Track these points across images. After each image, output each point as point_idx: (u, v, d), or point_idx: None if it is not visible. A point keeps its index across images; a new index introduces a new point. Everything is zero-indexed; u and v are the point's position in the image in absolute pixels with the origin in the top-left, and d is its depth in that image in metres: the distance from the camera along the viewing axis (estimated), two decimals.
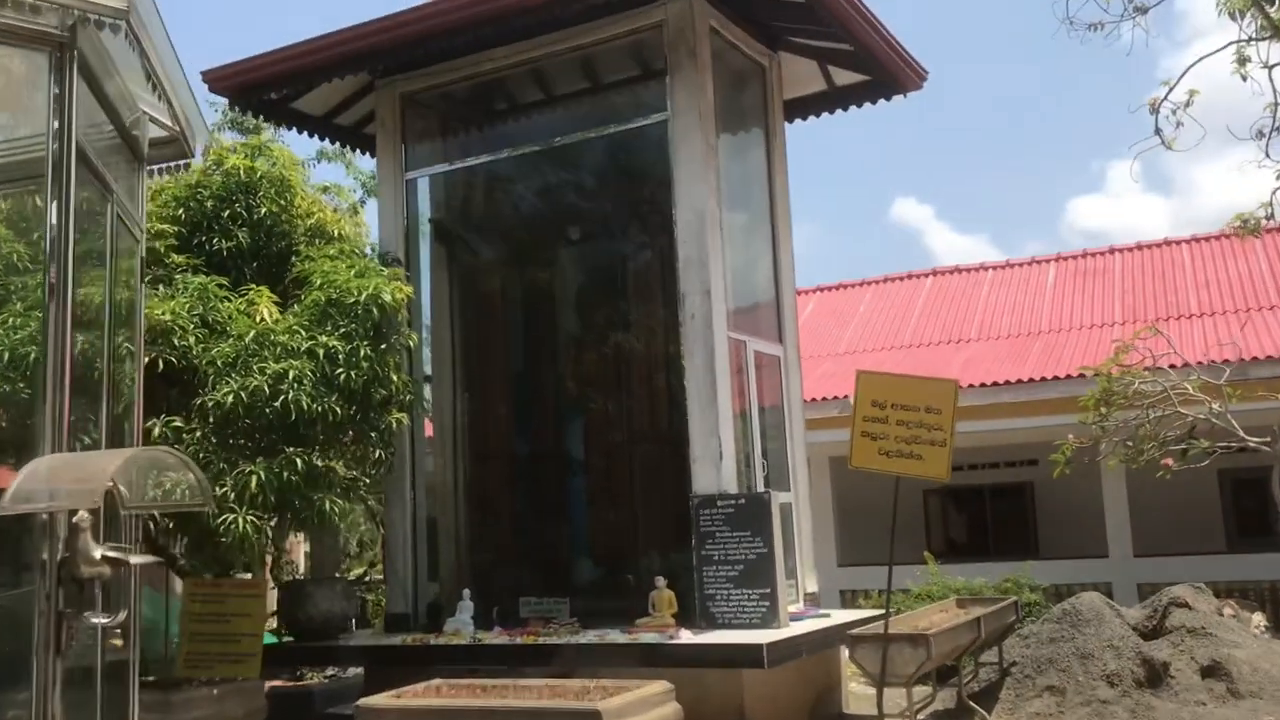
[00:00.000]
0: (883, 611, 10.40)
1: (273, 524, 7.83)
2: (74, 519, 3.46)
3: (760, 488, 10.02)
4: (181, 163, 7.71)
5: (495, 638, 9.23)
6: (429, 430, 11.06)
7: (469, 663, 8.92)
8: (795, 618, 9.50)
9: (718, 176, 9.91)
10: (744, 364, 10.17)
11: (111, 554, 3.51)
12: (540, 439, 11.19)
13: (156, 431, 7.30)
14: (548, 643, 8.87)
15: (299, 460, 7.35)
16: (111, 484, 3.89)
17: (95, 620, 3.98)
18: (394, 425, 8.60)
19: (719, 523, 9.12)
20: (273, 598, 10.68)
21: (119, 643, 3.91)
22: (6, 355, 5.04)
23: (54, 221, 3.74)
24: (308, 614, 9.77)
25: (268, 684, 12.80)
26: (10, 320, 5.12)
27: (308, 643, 9.75)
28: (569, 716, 6.06)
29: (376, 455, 8.71)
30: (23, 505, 3.33)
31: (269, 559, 17.19)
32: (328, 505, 7.48)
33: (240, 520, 6.91)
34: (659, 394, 10.62)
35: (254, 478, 7.05)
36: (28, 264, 4.73)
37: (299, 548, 19.30)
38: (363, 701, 6.60)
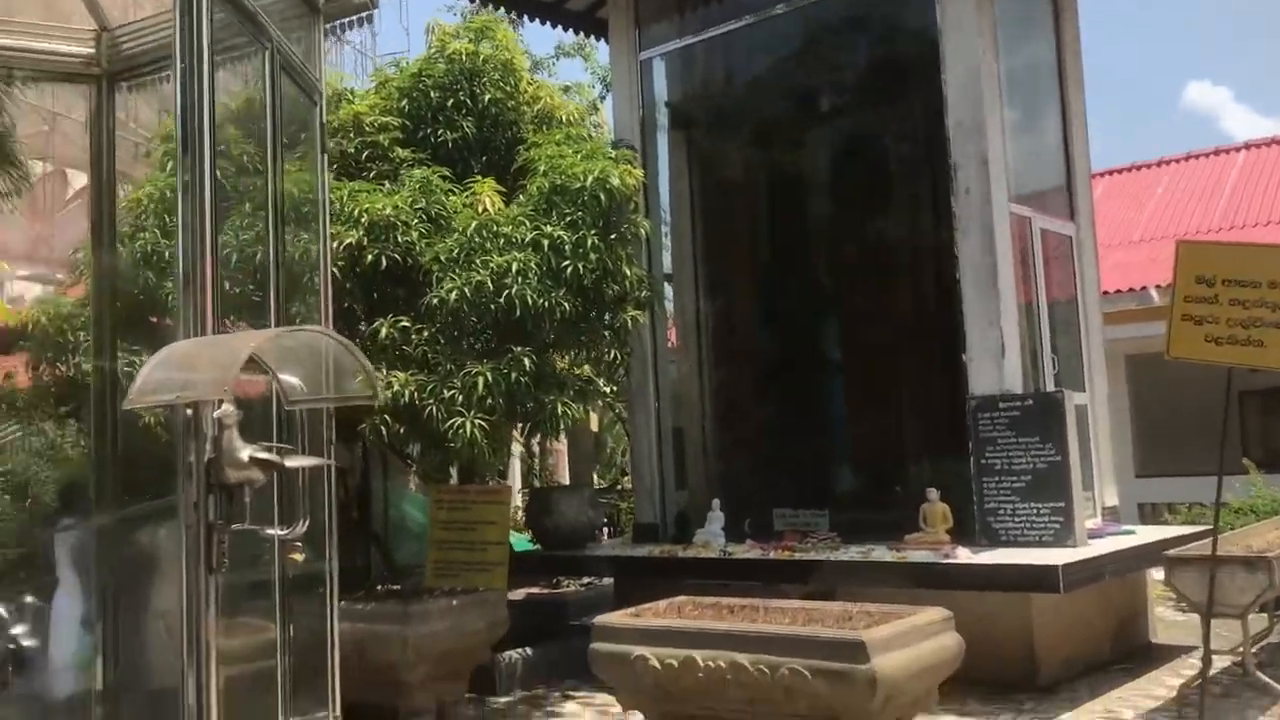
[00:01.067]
0: (1197, 529, 8.92)
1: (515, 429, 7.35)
2: (217, 413, 2.88)
3: (1050, 387, 8.69)
4: (399, 53, 7.18)
5: (747, 551, 8.49)
6: (672, 333, 10.35)
7: (718, 577, 8.24)
8: (1093, 535, 8.21)
9: (994, 25, 8.49)
10: (1029, 244, 8.80)
11: (262, 455, 2.92)
12: (793, 337, 10.22)
13: (384, 333, 6.90)
14: (804, 558, 8.04)
15: (526, 360, 6.76)
16: (269, 374, 3.33)
17: (269, 533, 3.47)
18: (629, 324, 7.88)
19: (1001, 427, 7.93)
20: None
21: (298, 556, 3.36)
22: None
23: (181, 64, 3.14)
24: (554, 522, 9.38)
25: (525, 590, 12.78)
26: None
27: (554, 551, 9.37)
28: (828, 646, 5.21)
29: (612, 356, 8.05)
30: (149, 397, 2.78)
31: (518, 465, 17.34)
32: (559, 408, 6.88)
33: (468, 424, 6.40)
34: (927, 283, 9.41)
35: (480, 379, 6.52)
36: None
37: (563, 456, 19.33)
38: (600, 619, 6.01)
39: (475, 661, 7.38)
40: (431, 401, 6.54)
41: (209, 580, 2.92)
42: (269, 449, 3.03)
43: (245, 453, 2.90)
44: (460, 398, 6.54)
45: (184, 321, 3.01)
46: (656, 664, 5.65)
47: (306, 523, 3.52)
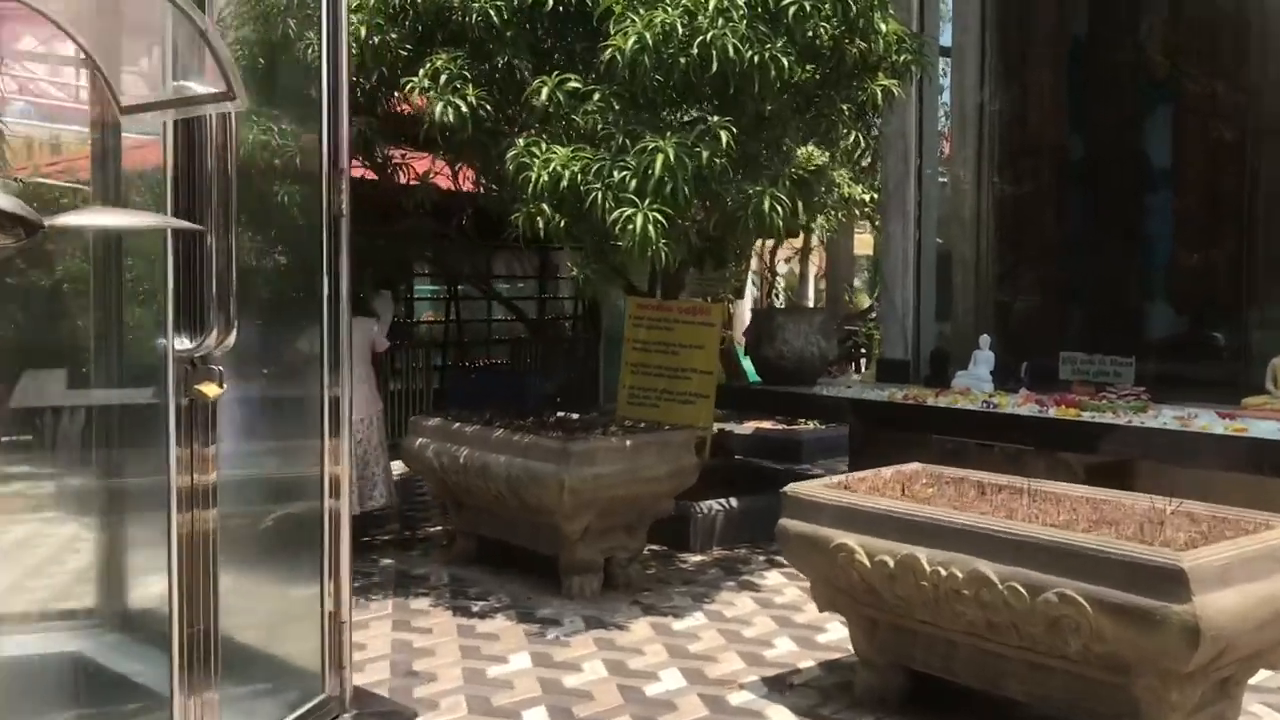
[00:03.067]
0: None
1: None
2: None
3: None
4: None
5: (1018, 404, 6.57)
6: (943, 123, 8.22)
7: (977, 435, 6.42)
8: None
9: None
10: None
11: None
12: (1105, 135, 7.87)
13: (544, 94, 5.34)
14: (1097, 420, 6.05)
15: (724, 135, 5.03)
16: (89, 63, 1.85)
17: (163, 343, 2.09)
18: (879, 98, 5.91)
19: None
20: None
21: (208, 390, 1.95)
22: None
23: None
24: (776, 351, 7.76)
25: (754, 424, 11.36)
26: None
27: (775, 386, 7.78)
28: (1125, 569, 3.40)
29: (852, 140, 6.13)
30: None
31: (750, 278, 15.60)
32: (766, 202, 5.14)
33: (639, 217, 4.80)
34: None
35: (660, 157, 4.87)
36: None
37: (808, 274, 17.43)
38: (793, 489, 4.42)
39: (654, 513, 6.01)
40: (598, 186, 4.97)
41: None
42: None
43: None
44: (633, 181, 4.92)
45: None
46: (864, 559, 4.03)
47: (230, 335, 2.10)
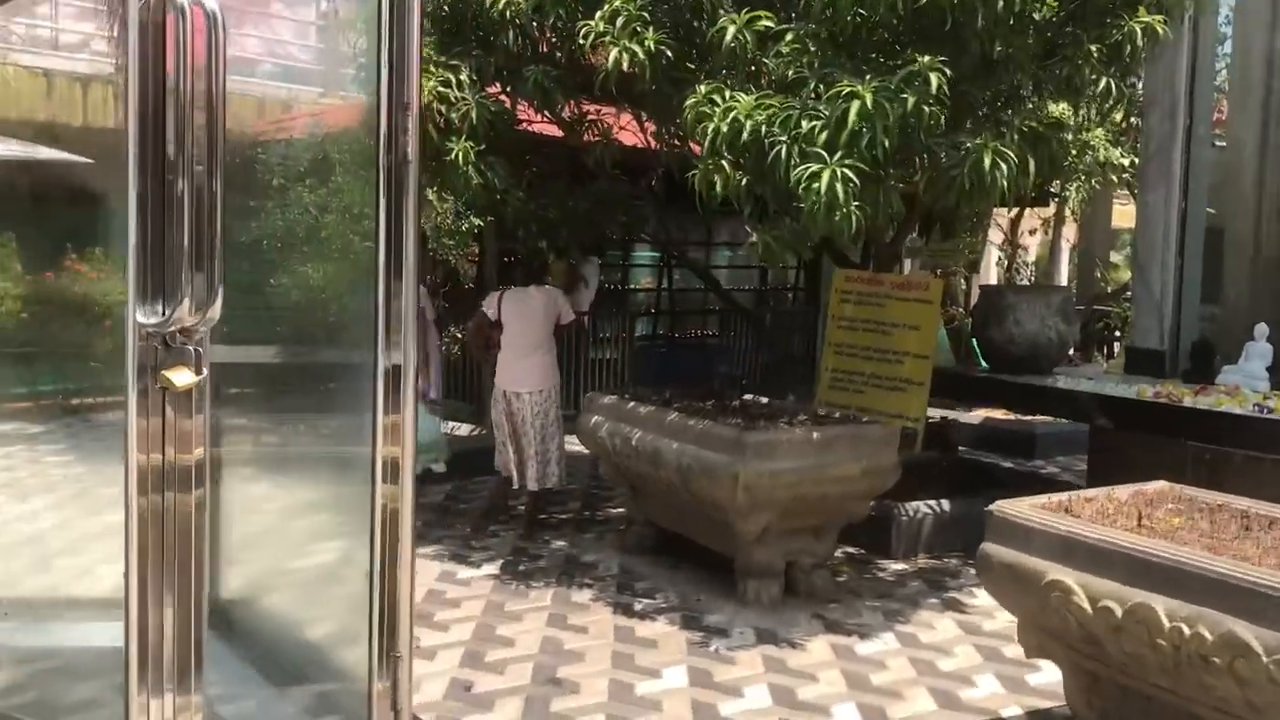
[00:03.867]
0: None
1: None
2: None
3: None
4: None
5: None
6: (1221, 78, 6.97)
7: (1247, 445, 5.35)
8: None
9: None
10: None
11: None
12: None
13: (730, 34, 4.68)
14: None
15: (934, 78, 4.23)
16: None
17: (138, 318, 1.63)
18: (1138, 39, 4.90)
19: None
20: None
21: (174, 379, 1.47)
22: None
23: None
24: (1007, 334, 6.83)
25: (984, 414, 10.30)
26: None
27: (1003, 375, 6.84)
28: None
29: (1103, 88, 5.12)
30: None
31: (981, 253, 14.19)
32: (987, 159, 4.30)
33: (826, 174, 4.09)
34: None
35: (855, 103, 4.14)
36: None
37: (1060, 248, 15.86)
38: (999, 508, 3.64)
39: (844, 515, 5.30)
40: (783, 138, 4.29)
41: None
42: None
43: None
44: (824, 133, 4.21)
45: None
46: (1084, 602, 3.24)
47: (212, 306, 1.62)
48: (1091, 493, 3.80)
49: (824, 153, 4.18)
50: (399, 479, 2.31)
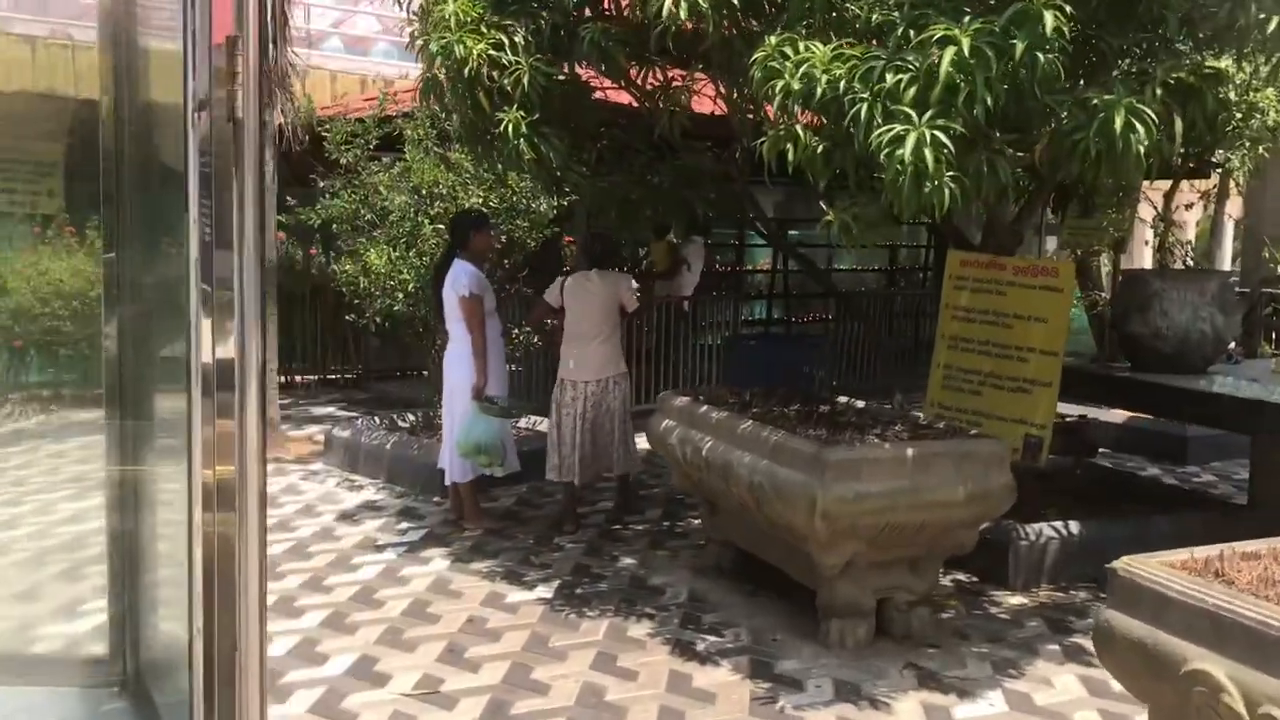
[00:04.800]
0: None
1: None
2: None
3: None
4: None
5: None
6: None
7: None
8: None
9: None
10: None
11: None
12: None
13: None
14: None
15: (1051, 16, 3.38)
16: None
17: None
18: None
19: None
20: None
21: None
22: None
23: None
24: (1152, 327, 5.86)
25: (1127, 413, 9.18)
26: None
27: (1146, 375, 5.87)
28: None
29: (1275, 29, 4.12)
30: None
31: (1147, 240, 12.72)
32: (1119, 118, 3.42)
33: (913, 136, 3.30)
34: None
35: (950, 50, 3.33)
36: None
37: (1223, 226, 14.29)
38: (1125, 566, 2.81)
39: (947, 546, 4.50)
40: (865, 94, 3.51)
41: None
42: None
43: None
44: (911, 88, 3.42)
45: None
46: (1238, 705, 2.42)
47: None
48: (1253, 546, 2.94)
49: (911, 111, 3.39)
50: (236, 504, 1.68)
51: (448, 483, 6.14)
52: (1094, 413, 8.11)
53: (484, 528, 6.01)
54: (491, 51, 5.03)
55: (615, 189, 6.21)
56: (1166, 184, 11.27)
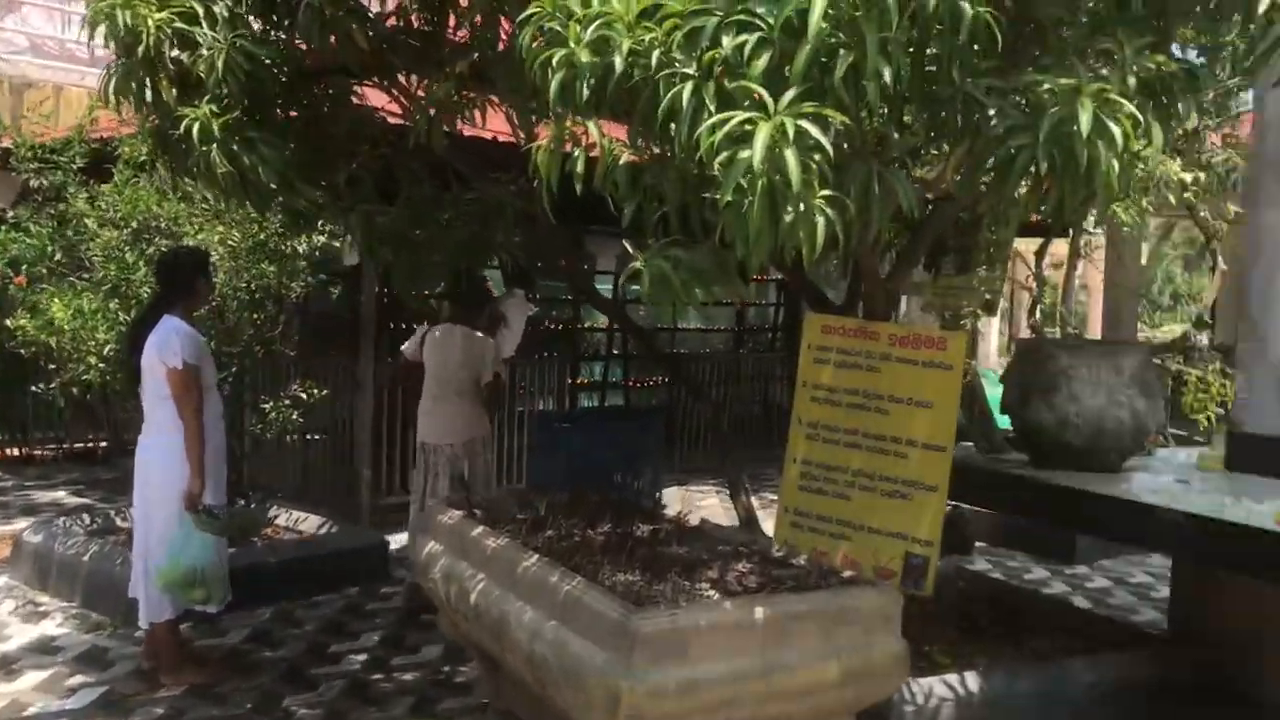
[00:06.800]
0: None
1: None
2: None
3: None
4: None
5: None
6: None
7: None
8: None
9: None
10: None
11: None
12: None
13: None
14: None
15: None
16: None
17: None
18: None
19: None
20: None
21: None
22: None
23: None
24: (1059, 415, 4.65)
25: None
26: None
27: (1050, 475, 4.63)
28: None
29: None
30: None
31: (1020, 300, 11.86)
32: (1083, 115, 2.16)
33: (767, 130, 1.96)
34: None
35: (819, 2, 2.01)
36: None
37: (1094, 292, 13.66)
38: None
39: None
40: (689, 69, 2.16)
41: None
42: None
43: None
44: (760, 55, 2.07)
45: None
46: None
47: None
48: None
49: (763, 91, 2.04)
50: None
51: (142, 622, 4.49)
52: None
53: (187, 683, 4.38)
54: (177, 24, 3.53)
55: (391, 224, 4.75)
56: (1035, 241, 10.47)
